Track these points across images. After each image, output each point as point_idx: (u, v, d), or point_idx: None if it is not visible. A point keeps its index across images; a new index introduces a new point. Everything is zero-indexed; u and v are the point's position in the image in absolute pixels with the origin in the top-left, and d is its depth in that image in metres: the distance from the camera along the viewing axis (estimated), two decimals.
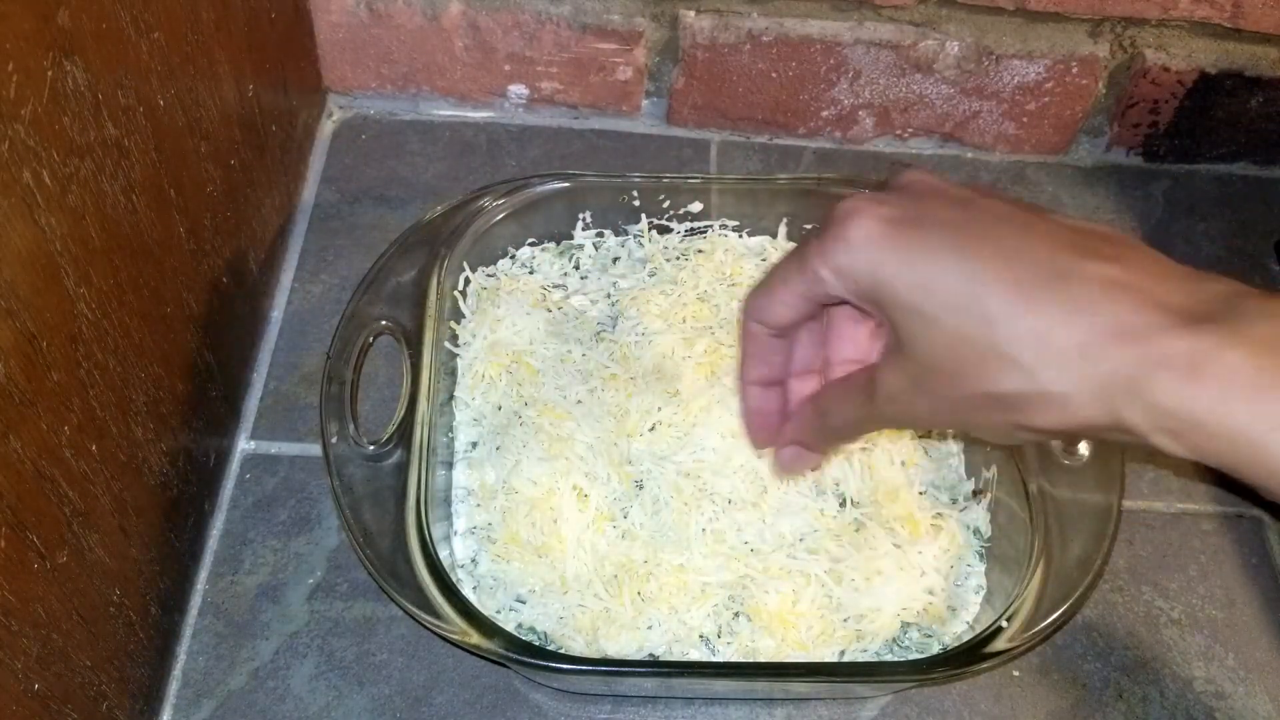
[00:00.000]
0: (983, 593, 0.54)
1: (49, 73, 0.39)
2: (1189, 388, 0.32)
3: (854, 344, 0.43)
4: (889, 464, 0.56)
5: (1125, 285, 0.34)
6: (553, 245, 0.64)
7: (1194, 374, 0.32)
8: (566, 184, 0.62)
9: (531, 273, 0.64)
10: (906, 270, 0.36)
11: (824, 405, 0.43)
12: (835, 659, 0.51)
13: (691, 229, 0.64)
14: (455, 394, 0.59)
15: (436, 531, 0.50)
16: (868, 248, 0.36)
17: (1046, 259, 0.35)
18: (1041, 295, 0.34)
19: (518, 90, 0.75)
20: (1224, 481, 0.63)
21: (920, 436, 0.57)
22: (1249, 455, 0.32)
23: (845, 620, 0.52)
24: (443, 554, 0.50)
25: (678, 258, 0.64)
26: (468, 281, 0.61)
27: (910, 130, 0.76)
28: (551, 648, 0.51)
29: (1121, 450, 0.53)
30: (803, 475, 0.54)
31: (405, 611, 0.48)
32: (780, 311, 0.41)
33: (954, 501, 0.57)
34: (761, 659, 0.51)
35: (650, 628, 0.52)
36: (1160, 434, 0.33)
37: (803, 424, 0.44)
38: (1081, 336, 0.33)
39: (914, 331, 0.36)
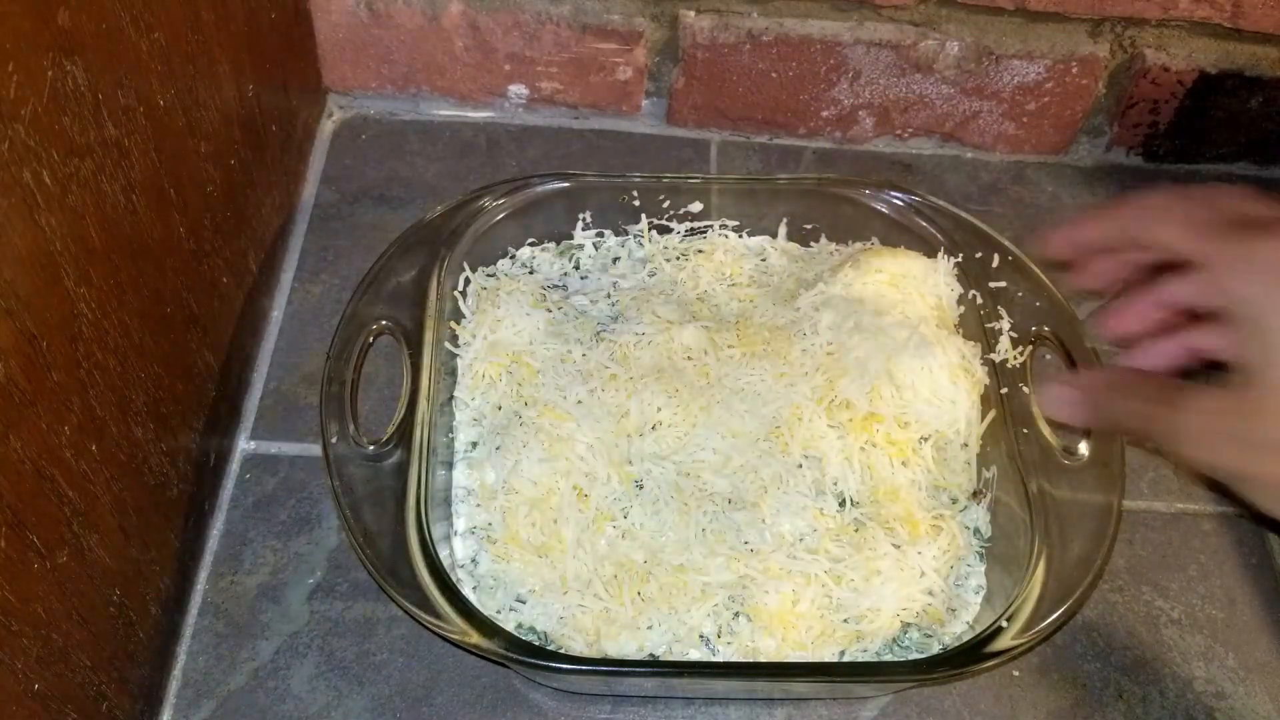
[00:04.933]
0: (983, 593, 0.54)
1: (49, 73, 0.39)
2: None
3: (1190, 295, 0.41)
4: (889, 464, 0.56)
5: None
6: (553, 245, 0.64)
7: None
8: (566, 184, 0.62)
9: (531, 273, 0.64)
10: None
11: (1119, 383, 0.42)
12: (835, 659, 0.51)
13: (691, 229, 0.64)
14: (455, 394, 0.59)
15: (436, 531, 0.50)
16: (1267, 268, 0.36)
17: None
18: None
19: (518, 90, 0.75)
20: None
21: (923, 439, 0.57)
22: None
23: (845, 620, 0.52)
24: (443, 554, 0.50)
25: (678, 258, 0.64)
26: (468, 281, 0.61)
27: (910, 130, 0.76)
28: (551, 648, 0.51)
29: (1122, 450, 0.53)
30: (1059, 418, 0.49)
31: (405, 611, 0.48)
32: (1162, 234, 0.40)
33: (954, 501, 0.57)
34: (761, 659, 0.51)
35: (650, 628, 0.52)
36: None
37: (1090, 388, 0.44)
38: None
39: (1265, 361, 0.35)
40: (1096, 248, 0.44)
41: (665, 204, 0.63)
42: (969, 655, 0.47)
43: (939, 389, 0.56)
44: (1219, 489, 0.62)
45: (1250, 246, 0.37)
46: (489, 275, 0.63)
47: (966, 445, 0.57)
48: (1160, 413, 0.39)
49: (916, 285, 0.58)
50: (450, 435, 0.58)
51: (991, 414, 0.56)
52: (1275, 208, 0.39)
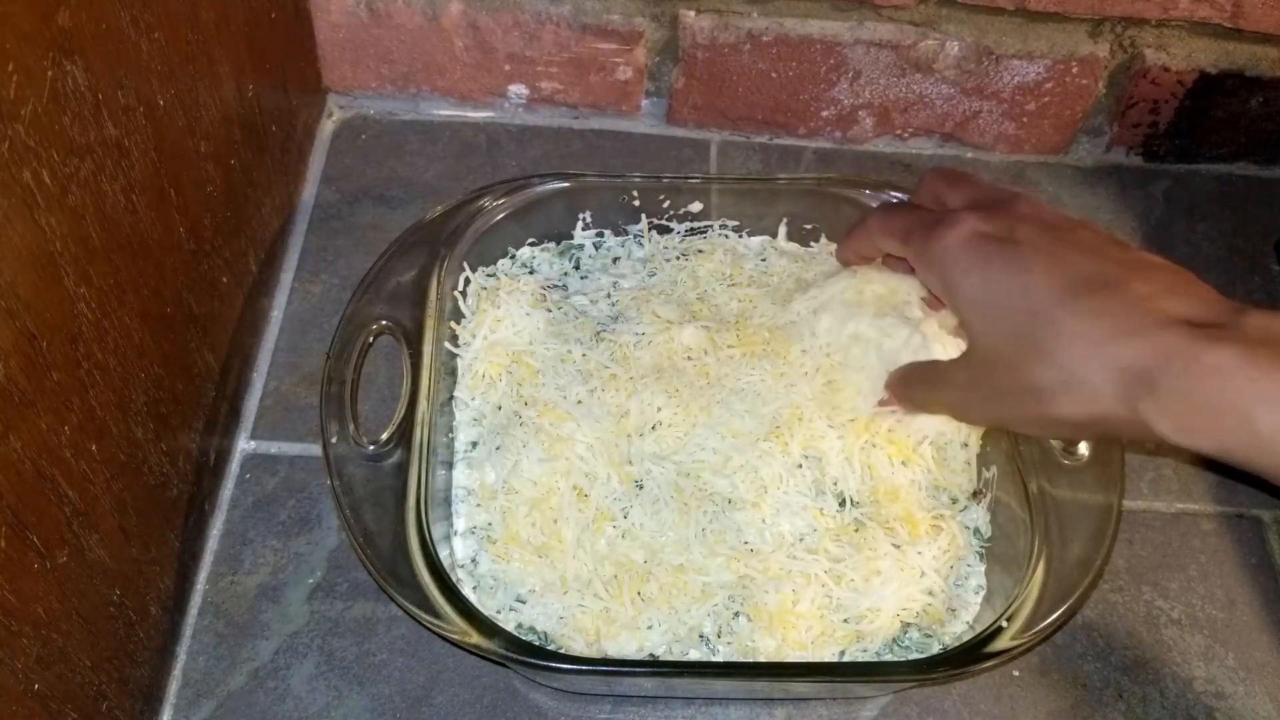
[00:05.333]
0: (983, 593, 0.54)
1: (49, 73, 0.39)
2: (1191, 377, 0.37)
3: None
4: (889, 464, 0.56)
5: (1150, 297, 0.39)
6: (553, 245, 0.64)
7: (1195, 365, 0.37)
8: (566, 184, 0.62)
9: (531, 273, 0.64)
10: (979, 277, 0.43)
11: (904, 375, 0.52)
12: (835, 659, 0.51)
13: (691, 229, 0.64)
14: (455, 394, 0.59)
15: (436, 531, 0.50)
16: (957, 254, 0.44)
17: (1093, 273, 0.40)
18: (1081, 301, 0.40)
19: (518, 90, 0.75)
20: (1225, 471, 0.63)
21: (924, 438, 0.57)
22: (1241, 433, 0.37)
23: (845, 620, 0.52)
24: (443, 554, 0.50)
25: (678, 258, 0.64)
26: (468, 281, 0.61)
27: (910, 130, 0.76)
28: (551, 648, 0.51)
29: (1121, 450, 0.53)
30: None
31: (405, 611, 0.48)
32: (888, 242, 0.50)
33: (954, 501, 0.56)
34: (761, 659, 0.51)
35: (650, 628, 0.52)
36: (1166, 423, 0.38)
37: (891, 386, 0.53)
38: (1106, 336, 0.39)
39: (979, 328, 0.44)
40: (871, 258, 0.54)
41: (665, 204, 0.63)
42: (969, 655, 0.47)
43: None
44: (1221, 483, 0.62)
45: (924, 246, 0.46)
46: (489, 275, 0.63)
47: (967, 445, 0.57)
48: (932, 395, 0.50)
49: (915, 287, 0.58)
50: (450, 435, 0.58)
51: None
52: (979, 186, 0.48)
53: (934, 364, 0.50)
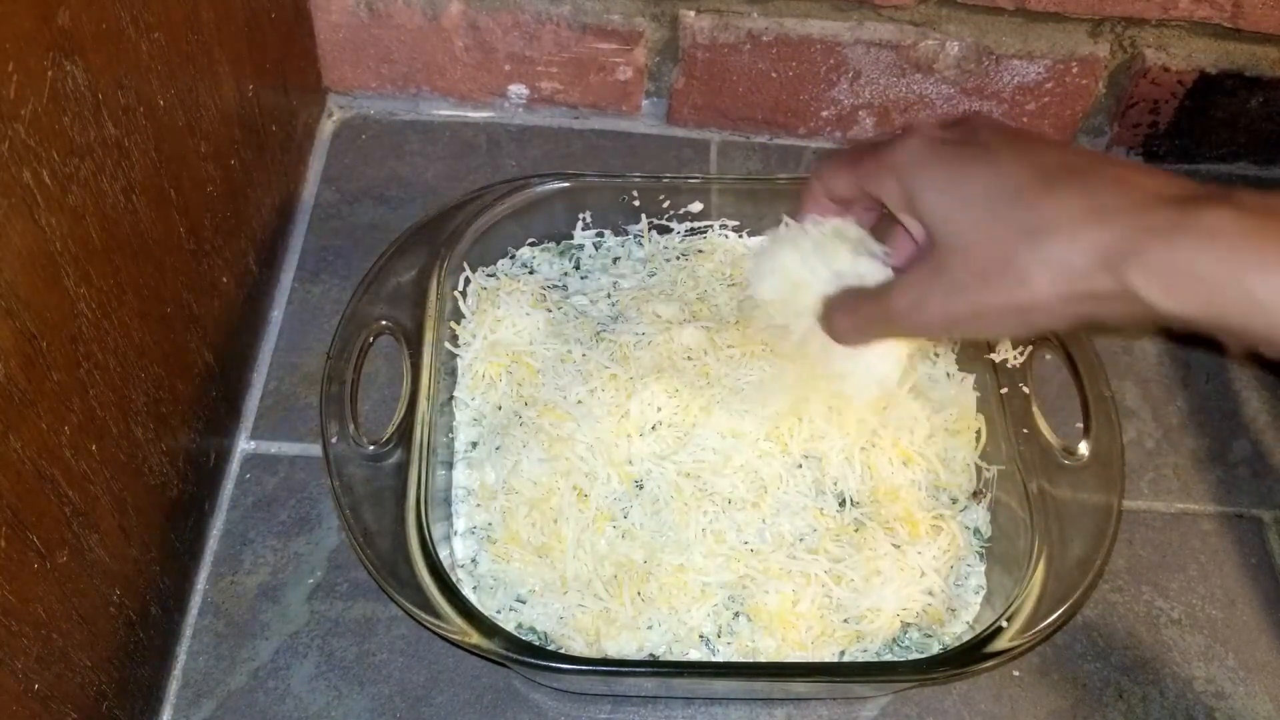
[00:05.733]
0: (983, 593, 0.54)
1: (49, 73, 0.39)
2: (1184, 244, 0.36)
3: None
4: (889, 464, 0.56)
5: (1130, 180, 0.39)
6: (553, 245, 0.64)
7: (1187, 233, 0.36)
8: (566, 184, 0.62)
9: (531, 273, 0.64)
10: (944, 179, 0.42)
11: (845, 303, 0.48)
12: (835, 659, 0.51)
13: (691, 229, 0.64)
14: (455, 394, 0.59)
15: (436, 531, 0.50)
16: (917, 160, 0.43)
17: (1069, 160, 0.40)
18: (1060, 183, 0.39)
19: (518, 90, 0.75)
20: (1224, 469, 0.63)
21: (926, 436, 0.57)
22: (1236, 298, 0.36)
23: (845, 620, 0.52)
24: (443, 554, 0.50)
25: (678, 258, 0.64)
26: (468, 281, 0.61)
27: None
28: (551, 648, 0.51)
29: (1121, 450, 0.53)
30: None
31: (405, 611, 0.48)
32: (837, 186, 0.47)
33: (954, 501, 0.57)
34: (761, 659, 0.51)
35: (650, 628, 0.52)
36: (1157, 290, 0.37)
37: (828, 318, 0.49)
38: (1090, 213, 0.38)
39: (945, 228, 0.42)
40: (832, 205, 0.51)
41: (665, 204, 0.63)
42: (969, 655, 0.47)
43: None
44: (1218, 488, 0.62)
45: (879, 159, 0.44)
46: (489, 275, 0.63)
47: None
48: (878, 309, 0.46)
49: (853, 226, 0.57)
50: (450, 435, 0.58)
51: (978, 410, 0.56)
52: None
53: (870, 289, 0.47)
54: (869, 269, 0.48)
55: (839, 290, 0.48)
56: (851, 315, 0.47)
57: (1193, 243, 0.36)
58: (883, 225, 0.48)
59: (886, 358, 0.50)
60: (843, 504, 0.55)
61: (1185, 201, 0.37)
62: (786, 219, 0.50)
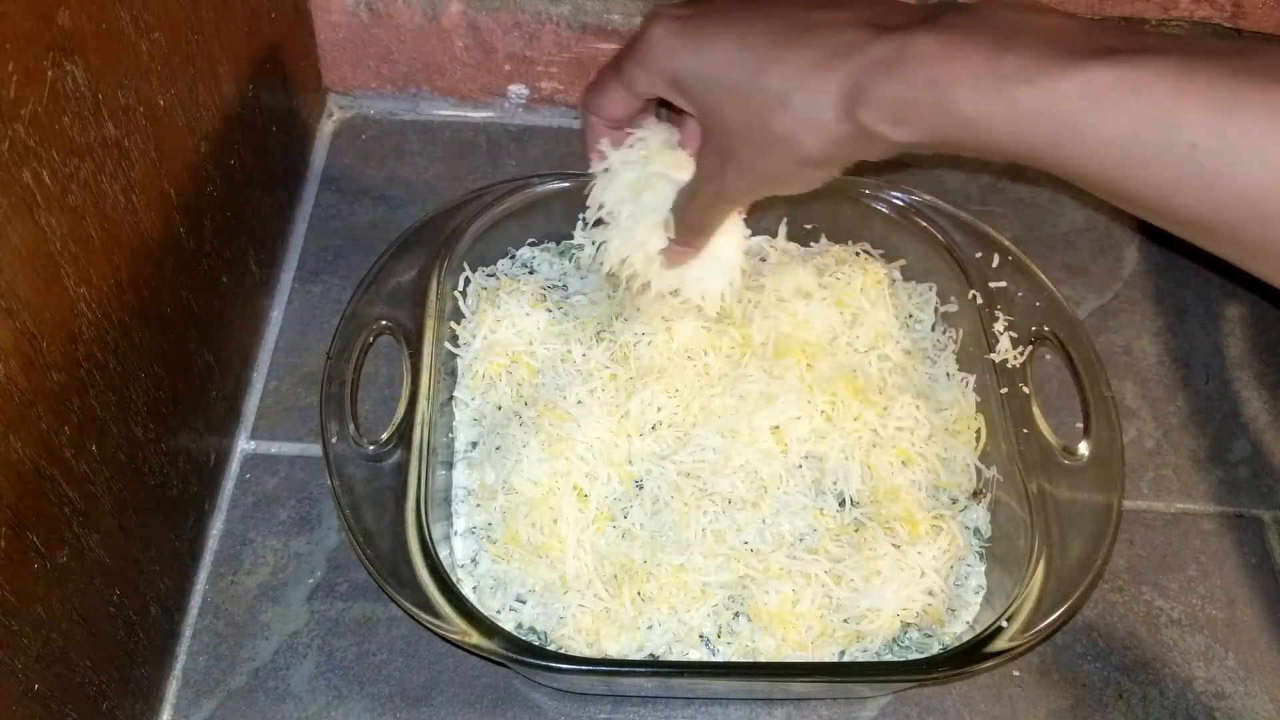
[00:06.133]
0: (983, 593, 0.54)
1: (49, 73, 0.39)
2: (897, 75, 0.38)
3: None
4: (889, 464, 0.56)
5: (854, 21, 0.40)
6: (553, 245, 0.64)
7: (899, 64, 0.38)
8: (566, 184, 0.62)
9: (531, 273, 0.64)
10: (694, 54, 0.43)
11: (675, 208, 0.51)
12: (835, 659, 0.51)
13: None
14: (455, 394, 0.59)
15: (436, 531, 0.50)
16: (665, 40, 0.44)
17: (800, 17, 0.41)
18: (794, 43, 0.41)
19: (518, 90, 0.75)
20: (1223, 469, 0.63)
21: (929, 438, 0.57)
22: (948, 117, 0.38)
23: (845, 620, 0.52)
24: (443, 554, 0.50)
25: None
26: (468, 281, 0.61)
27: None
28: (551, 648, 0.51)
29: (1121, 450, 0.53)
30: (683, 263, 0.54)
31: (405, 611, 0.48)
32: (610, 107, 0.49)
33: (954, 501, 0.57)
34: (761, 659, 0.51)
35: (650, 628, 0.52)
36: (888, 125, 0.39)
37: (676, 228, 0.52)
38: (821, 64, 0.40)
39: (709, 104, 0.43)
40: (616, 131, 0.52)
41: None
42: (969, 655, 0.47)
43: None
44: (1219, 487, 0.62)
45: (632, 59, 0.45)
46: (489, 275, 0.63)
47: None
48: (697, 204, 0.49)
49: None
50: (450, 435, 0.58)
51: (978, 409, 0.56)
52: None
53: (685, 189, 0.50)
54: (685, 170, 0.50)
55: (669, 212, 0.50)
56: (681, 220, 0.50)
57: (904, 73, 0.38)
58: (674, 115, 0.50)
59: (724, 243, 0.53)
60: (843, 504, 0.55)
61: (900, 31, 0.39)
62: (602, 162, 0.52)
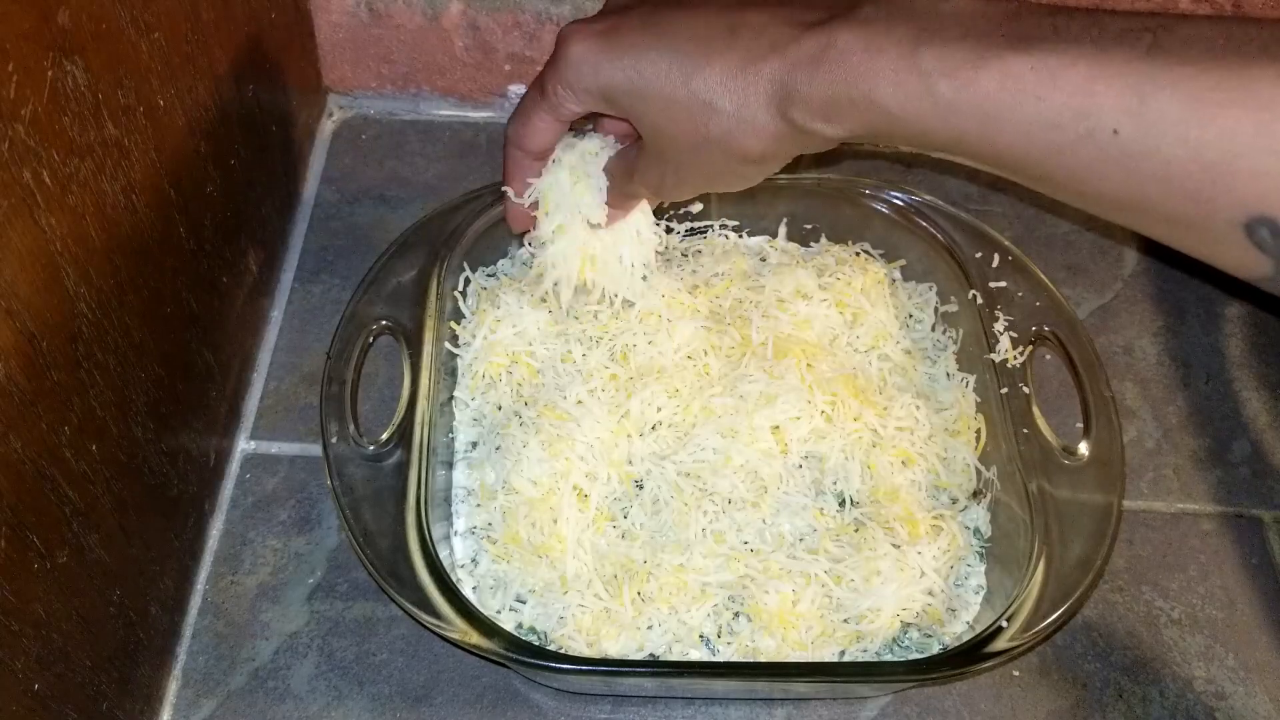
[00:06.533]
0: (983, 593, 0.54)
1: (49, 73, 0.39)
2: (821, 72, 0.39)
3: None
4: (889, 464, 0.56)
5: (777, 19, 0.40)
6: None
7: (823, 61, 0.39)
8: None
9: None
10: (619, 65, 0.43)
11: (611, 174, 0.50)
12: (835, 659, 0.51)
13: (691, 229, 0.64)
14: (455, 394, 0.59)
15: (436, 531, 0.50)
16: (587, 58, 0.43)
17: (721, 20, 0.41)
18: (720, 45, 0.41)
19: (518, 90, 0.75)
20: (1223, 468, 0.63)
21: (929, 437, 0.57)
22: (874, 112, 0.38)
23: (845, 620, 0.52)
24: (443, 554, 0.50)
25: (679, 256, 0.64)
26: (468, 281, 0.61)
27: None
28: (551, 648, 0.51)
29: (1121, 450, 0.53)
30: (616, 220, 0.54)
31: (405, 611, 0.48)
32: (536, 137, 0.48)
33: (954, 501, 0.57)
34: (761, 659, 0.51)
35: (650, 628, 0.52)
36: (820, 122, 0.40)
37: (611, 192, 0.51)
38: (748, 65, 0.40)
39: (639, 112, 0.44)
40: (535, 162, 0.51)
41: (665, 204, 0.63)
42: (969, 655, 0.47)
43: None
44: (1218, 487, 0.62)
45: (554, 78, 0.45)
46: (489, 275, 0.63)
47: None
48: (629, 190, 0.49)
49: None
50: (450, 435, 0.58)
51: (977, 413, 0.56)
52: None
53: (625, 157, 0.49)
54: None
55: (609, 166, 0.50)
56: (623, 191, 0.50)
57: (829, 70, 0.38)
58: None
59: (639, 215, 0.53)
60: (843, 504, 0.55)
61: (822, 26, 0.39)
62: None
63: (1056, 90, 0.35)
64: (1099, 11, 0.37)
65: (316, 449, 0.60)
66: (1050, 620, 0.48)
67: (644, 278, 0.56)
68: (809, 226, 0.64)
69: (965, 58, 0.36)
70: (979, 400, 0.58)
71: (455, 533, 0.55)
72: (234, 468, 0.61)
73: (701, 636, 0.52)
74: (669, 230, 0.64)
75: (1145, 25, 0.35)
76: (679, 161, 0.45)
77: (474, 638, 0.46)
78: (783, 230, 0.64)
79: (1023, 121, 0.36)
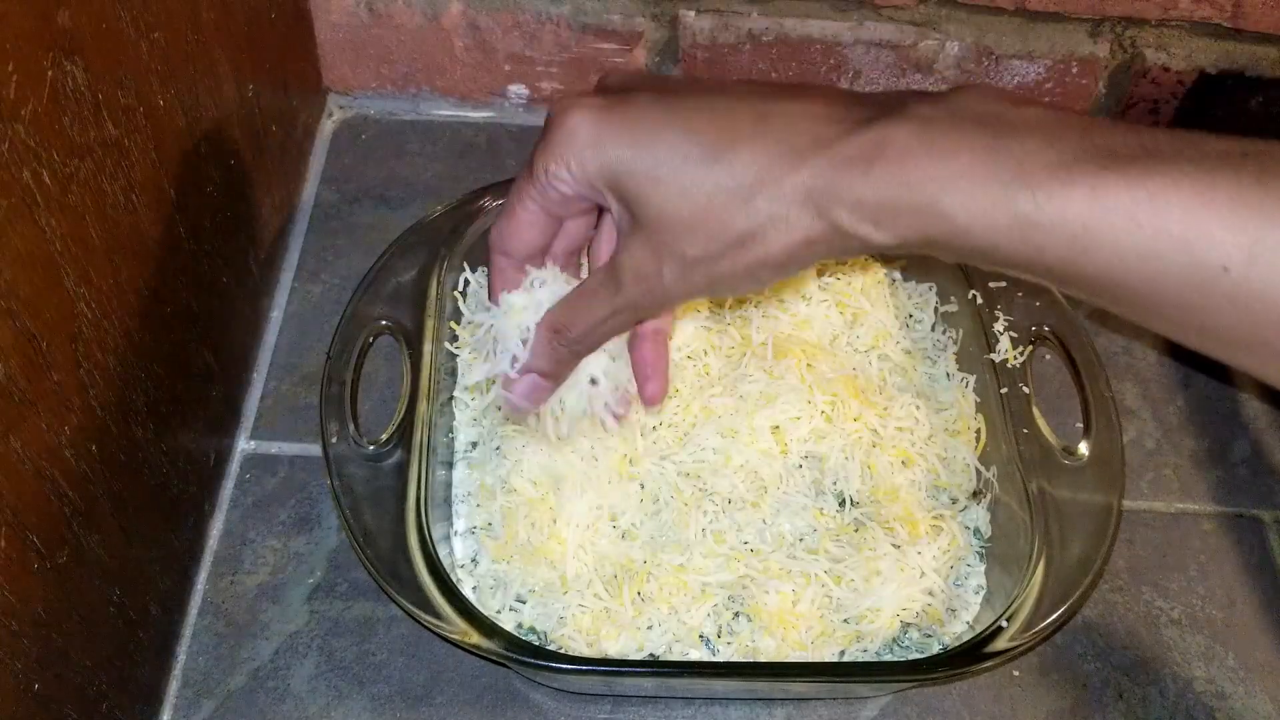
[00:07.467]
0: (983, 593, 0.54)
1: (49, 73, 0.39)
2: (876, 172, 0.35)
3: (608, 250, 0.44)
4: (889, 464, 0.56)
5: (813, 114, 0.37)
6: None
7: (878, 161, 0.35)
8: None
9: None
10: (627, 144, 0.38)
11: (560, 320, 0.43)
12: (835, 659, 0.51)
13: None
14: (455, 394, 0.59)
15: (436, 531, 0.50)
16: (591, 133, 0.39)
17: (745, 107, 0.38)
18: (744, 132, 0.37)
19: (518, 90, 0.75)
20: (1224, 468, 0.63)
21: (928, 438, 0.57)
22: (937, 222, 0.34)
23: (845, 620, 0.52)
24: (443, 554, 0.50)
25: None
26: (468, 282, 0.61)
27: None
28: (551, 648, 0.51)
29: (1121, 450, 0.53)
30: (534, 413, 0.48)
31: (405, 611, 0.48)
32: (521, 233, 0.43)
33: (954, 501, 0.57)
34: (761, 659, 0.51)
35: (650, 628, 0.52)
36: (869, 226, 0.36)
37: (539, 349, 0.45)
38: (784, 159, 0.36)
39: (646, 196, 0.38)
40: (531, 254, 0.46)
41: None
42: (969, 655, 0.47)
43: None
44: (1218, 487, 0.62)
45: (545, 158, 0.40)
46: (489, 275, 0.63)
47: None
48: (609, 304, 0.42)
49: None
50: (450, 435, 0.58)
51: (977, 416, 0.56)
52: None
53: (588, 281, 0.43)
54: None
55: (546, 316, 0.44)
56: (585, 319, 0.43)
57: (885, 172, 0.35)
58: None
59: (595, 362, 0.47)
60: (843, 504, 0.55)
61: (870, 124, 0.35)
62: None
63: (1157, 217, 0.32)
64: (1190, 131, 0.34)
65: (316, 449, 0.60)
66: (1050, 620, 0.48)
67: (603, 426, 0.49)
68: None
69: (1051, 171, 0.33)
70: (979, 400, 0.58)
71: (455, 533, 0.55)
72: (234, 468, 0.61)
73: (701, 636, 0.52)
74: None
75: (1244, 149, 0.32)
76: (687, 256, 0.39)
77: (474, 638, 0.46)
78: None
79: (1117, 247, 0.32)
